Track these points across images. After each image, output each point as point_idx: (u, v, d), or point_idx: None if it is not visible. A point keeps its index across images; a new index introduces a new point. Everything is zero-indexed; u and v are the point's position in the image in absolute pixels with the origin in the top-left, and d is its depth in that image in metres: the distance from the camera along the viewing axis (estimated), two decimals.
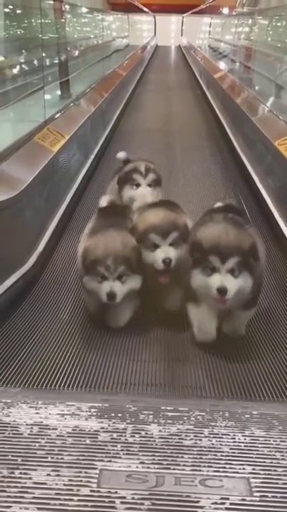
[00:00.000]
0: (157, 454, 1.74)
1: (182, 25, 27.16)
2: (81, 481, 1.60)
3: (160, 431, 1.87)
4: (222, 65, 12.76)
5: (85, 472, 1.63)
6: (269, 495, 1.56)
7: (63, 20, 8.06)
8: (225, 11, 17.53)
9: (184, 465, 1.68)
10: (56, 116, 5.38)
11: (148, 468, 1.67)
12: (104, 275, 2.71)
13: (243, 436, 1.85)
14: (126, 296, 2.76)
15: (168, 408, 2.03)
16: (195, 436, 1.84)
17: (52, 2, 7.12)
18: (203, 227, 2.68)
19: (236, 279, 2.50)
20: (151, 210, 2.99)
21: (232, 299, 2.52)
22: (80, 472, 1.63)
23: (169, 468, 1.67)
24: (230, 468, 1.68)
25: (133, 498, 1.53)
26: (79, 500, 1.52)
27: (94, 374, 2.52)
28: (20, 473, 1.62)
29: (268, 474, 1.65)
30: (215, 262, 2.50)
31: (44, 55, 6.77)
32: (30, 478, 1.60)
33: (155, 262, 2.78)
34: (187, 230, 2.85)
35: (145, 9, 24.73)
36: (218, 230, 2.59)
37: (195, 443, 1.80)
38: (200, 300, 2.67)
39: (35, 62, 6.63)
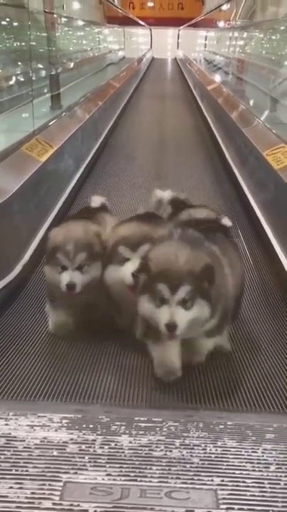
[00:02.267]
0: (125, 465, 1.70)
1: (178, 38, 27.34)
2: (44, 493, 1.56)
3: (130, 442, 1.83)
4: (217, 77, 12.80)
5: (49, 484, 1.60)
6: (236, 507, 1.53)
7: (56, 33, 8.09)
8: (221, 24, 17.63)
9: (151, 477, 1.65)
10: (46, 127, 5.38)
11: (114, 480, 1.63)
12: (64, 265, 2.64)
13: (214, 447, 1.82)
14: (86, 287, 2.66)
15: (142, 419, 2.00)
16: (165, 447, 1.81)
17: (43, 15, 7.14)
18: (153, 247, 2.38)
19: (188, 311, 2.19)
20: (125, 223, 2.84)
21: (185, 331, 2.21)
22: (44, 485, 1.60)
23: (135, 480, 1.63)
24: (198, 479, 1.65)
25: (95, 511, 1.49)
26: None
27: (70, 384, 2.48)
28: None
29: (237, 486, 1.61)
30: (164, 292, 2.19)
31: (39, 66, 6.81)
32: None
33: (125, 276, 2.57)
34: None
35: (141, 22, 24.90)
36: (167, 251, 2.28)
37: (165, 454, 1.77)
38: (159, 334, 2.29)
39: (26, 75, 6.64)
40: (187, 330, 2.21)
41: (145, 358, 2.71)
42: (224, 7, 16.07)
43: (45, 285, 3.07)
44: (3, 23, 6.57)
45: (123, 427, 1.93)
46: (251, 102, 8.41)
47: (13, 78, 6.47)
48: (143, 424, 1.96)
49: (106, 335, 2.85)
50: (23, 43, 6.94)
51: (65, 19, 9.79)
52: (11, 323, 3.02)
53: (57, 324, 2.89)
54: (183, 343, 2.43)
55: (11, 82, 6.49)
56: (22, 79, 6.56)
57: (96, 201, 3.30)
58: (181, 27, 26.13)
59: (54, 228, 2.86)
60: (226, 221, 2.93)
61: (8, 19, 6.67)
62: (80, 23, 11.80)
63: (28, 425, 1.92)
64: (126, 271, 2.55)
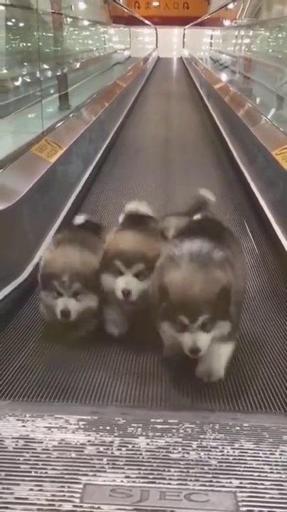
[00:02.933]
0: (143, 467, 1.71)
1: (183, 38, 27.29)
2: (64, 496, 1.57)
3: (147, 444, 1.84)
4: (223, 76, 12.79)
5: (69, 487, 1.61)
6: (256, 509, 1.53)
7: (63, 33, 8.11)
8: (226, 22, 17.61)
9: (170, 479, 1.65)
10: (55, 127, 5.39)
11: (133, 482, 1.64)
12: (59, 291, 2.68)
13: (232, 449, 1.82)
14: (82, 314, 2.72)
15: (158, 421, 2.00)
16: (182, 449, 1.81)
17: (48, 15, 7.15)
18: (170, 273, 2.35)
19: (209, 333, 2.27)
20: (125, 233, 2.84)
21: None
22: (63, 487, 1.60)
23: (154, 483, 1.64)
24: (217, 482, 1.65)
25: None
26: None
27: (85, 386, 2.49)
28: (3, 488, 1.60)
29: (256, 488, 1.62)
30: (184, 321, 2.25)
31: (45, 67, 6.81)
32: (12, 494, 1.57)
33: (117, 290, 2.63)
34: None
35: (146, 22, 24.89)
36: (184, 278, 2.28)
37: (183, 456, 1.77)
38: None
39: (34, 75, 6.65)
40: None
41: (156, 359, 2.72)
42: (230, 5, 16.03)
43: None
44: (10, 23, 6.59)
45: (139, 429, 1.93)
46: (258, 101, 8.41)
47: (22, 79, 6.48)
48: (159, 426, 1.96)
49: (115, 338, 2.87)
50: (29, 44, 6.98)
51: (74, 20, 9.80)
52: (23, 325, 3.03)
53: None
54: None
55: (19, 83, 6.51)
56: (30, 79, 6.58)
57: (79, 219, 3.28)
58: (186, 26, 26.10)
59: (49, 252, 2.88)
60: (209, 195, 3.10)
61: (14, 20, 6.70)
62: (87, 23, 11.81)
63: (45, 427, 1.93)
64: (118, 287, 2.62)
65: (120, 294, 2.61)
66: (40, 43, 6.45)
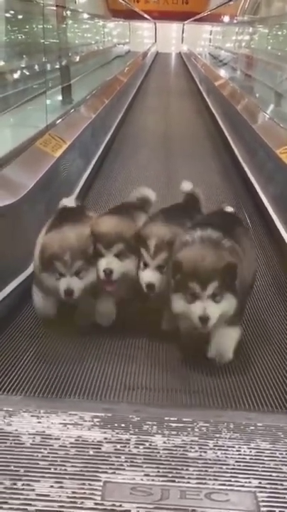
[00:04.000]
0: (161, 466, 1.71)
1: (182, 33, 27.22)
2: (85, 493, 1.57)
3: (164, 442, 1.84)
4: (223, 72, 12.78)
5: (89, 484, 1.61)
6: (277, 510, 1.54)
7: (65, 25, 8.06)
8: (226, 19, 17.56)
9: (189, 478, 1.66)
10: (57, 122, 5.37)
11: (152, 480, 1.64)
12: (61, 272, 2.68)
13: (248, 448, 1.83)
14: (84, 291, 2.73)
15: (172, 419, 2.01)
16: (199, 448, 1.81)
17: (54, 8, 7.11)
18: (182, 249, 2.55)
19: (218, 304, 2.41)
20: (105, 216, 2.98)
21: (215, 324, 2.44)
22: (84, 484, 1.61)
23: (174, 481, 1.64)
24: (236, 481, 1.65)
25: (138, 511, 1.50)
26: None
27: (95, 381, 2.49)
28: (23, 484, 1.60)
29: (275, 488, 1.62)
30: (195, 289, 2.39)
31: (45, 60, 6.77)
32: (33, 490, 1.57)
33: (99, 271, 2.74)
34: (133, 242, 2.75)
35: (146, 16, 24.78)
36: (195, 252, 2.48)
37: (200, 455, 1.77)
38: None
39: (37, 67, 6.62)
40: (218, 323, 2.43)
41: (165, 355, 2.73)
42: (231, 2, 15.98)
43: None
44: (8, 15, 6.55)
45: (155, 427, 1.94)
46: (258, 96, 8.42)
47: (25, 72, 6.45)
48: (173, 424, 1.97)
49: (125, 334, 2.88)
50: (29, 36, 6.95)
51: (75, 13, 9.76)
52: (29, 321, 3.03)
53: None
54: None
55: (22, 76, 6.47)
56: (32, 72, 6.55)
57: (69, 202, 3.32)
58: (186, 21, 26.01)
59: (48, 235, 2.87)
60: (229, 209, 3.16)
61: (14, 12, 6.66)
62: (87, 16, 11.75)
63: (60, 423, 1.93)
64: (100, 267, 2.73)
65: (102, 274, 2.70)
66: (42, 36, 6.43)
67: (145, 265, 2.73)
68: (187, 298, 2.43)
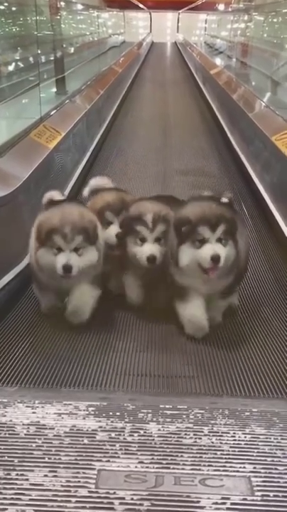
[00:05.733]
0: (156, 453, 1.70)
1: (177, 22, 27.07)
2: (79, 481, 1.56)
3: (159, 429, 1.84)
4: (218, 61, 12.72)
5: (83, 473, 1.60)
6: (271, 494, 1.53)
7: (58, 17, 8.02)
8: (221, 7, 17.45)
9: (184, 464, 1.65)
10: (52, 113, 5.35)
11: (147, 467, 1.64)
12: (59, 247, 2.62)
13: (243, 434, 1.82)
14: (82, 272, 2.68)
15: (167, 406, 2.00)
16: (194, 434, 1.81)
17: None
18: (184, 207, 2.72)
19: (225, 247, 2.59)
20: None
21: (216, 277, 2.60)
22: (78, 473, 1.60)
23: (169, 468, 1.63)
24: (230, 467, 1.65)
25: (132, 499, 1.50)
26: (77, 501, 1.48)
27: (91, 371, 2.50)
28: (17, 474, 1.59)
29: (270, 473, 1.62)
30: (205, 233, 2.56)
31: (39, 52, 6.74)
32: (27, 480, 1.57)
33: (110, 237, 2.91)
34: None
35: (141, 6, 24.64)
36: (200, 204, 2.67)
37: (195, 441, 1.77)
38: (186, 294, 2.71)
39: (31, 59, 6.59)
40: (218, 275, 2.59)
41: (158, 343, 2.73)
42: None
43: None
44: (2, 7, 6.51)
45: (149, 415, 1.93)
46: (254, 84, 8.39)
47: (18, 64, 6.41)
48: (169, 412, 1.96)
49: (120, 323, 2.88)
50: (23, 28, 6.91)
51: (69, 4, 9.70)
52: (27, 311, 3.03)
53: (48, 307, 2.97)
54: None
55: (16, 68, 6.44)
56: (26, 64, 6.52)
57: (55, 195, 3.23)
58: (181, 10, 25.86)
59: (47, 211, 2.82)
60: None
61: (8, 4, 6.62)
62: (81, 7, 11.69)
63: (55, 413, 1.92)
64: (110, 232, 2.90)
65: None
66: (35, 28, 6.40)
67: (142, 240, 2.78)
68: (195, 245, 2.57)
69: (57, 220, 2.65)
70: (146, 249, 2.77)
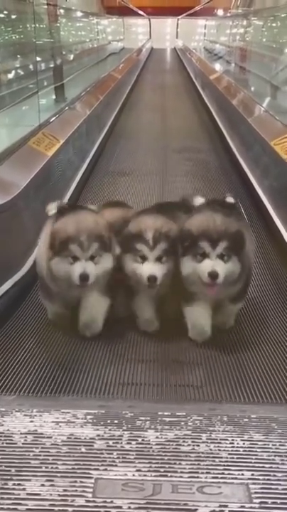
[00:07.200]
0: (154, 461, 1.70)
1: (177, 28, 27.13)
2: (76, 490, 1.56)
3: (157, 437, 1.83)
4: (217, 66, 12.75)
5: (80, 481, 1.60)
6: (269, 501, 1.52)
7: (57, 24, 8.06)
8: (220, 12, 17.52)
9: (181, 472, 1.65)
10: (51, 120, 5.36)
11: (144, 476, 1.63)
12: (75, 255, 2.58)
13: (241, 440, 1.81)
14: (97, 281, 2.64)
15: (165, 413, 1.99)
16: (192, 441, 1.80)
17: (45, 7, 7.10)
18: (190, 218, 2.71)
19: (226, 263, 2.57)
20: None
21: (221, 286, 2.59)
22: (75, 482, 1.59)
23: (166, 476, 1.63)
24: (229, 474, 1.64)
25: (129, 508, 1.49)
26: (73, 511, 1.48)
27: (90, 379, 2.49)
28: (14, 484, 1.58)
29: (268, 480, 1.61)
30: (205, 248, 2.55)
31: (39, 59, 6.76)
32: (24, 489, 1.56)
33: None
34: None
35: (140, 12, 24.75)
36: (205, 217, 2.64)
37: (193, 449, 1.76)
38: (194, 299, 2.73)
39: (30, 66, 6.61)
40: (223, 286, 2.59)
41: (158, 350, 2.73)
42: None
43: None
44: (2, 15, 6.53)
45: (148, 422, 1.92)
46: (253, 89, 8.41)
47: (18, 72, 6.44)
48: (167, 419, 1.95)
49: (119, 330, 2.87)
50: (22, 36, 6.93)
51: (67, 11, 9.74)
52: (25, 319, 3.02)
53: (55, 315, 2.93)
54: (214, 311, 2.81)
55: (15, 76, 6.46)
56: (25, 72, 6.54)
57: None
58: (180, 16, 25.94)
59: (59, 220, 2.73)
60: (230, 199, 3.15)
61: (7, 12, 6.64)
62: (80, 14, 11.74)
63: (53, 422, 1.91)
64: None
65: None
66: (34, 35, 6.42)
67: (143, 259, 2.66)
68: (196, 259, 2.58)
69: (72, 229, 2.61)
70: (146, 269, 2.64)
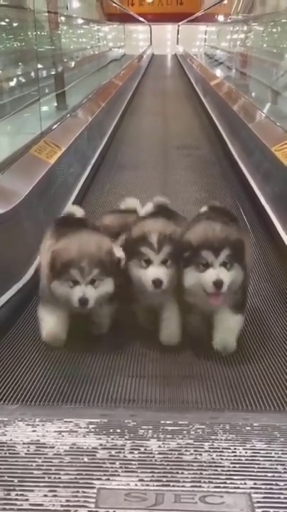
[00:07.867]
0: (156, 470, 1.70)
1: (177, 34, 27.21)
2: (78, 501, 1.56)
3: (159, 446, 1.83)
4: (218, 72, 12.78)
5: (83, 492, 1.60)
6: (271, 510, 1.53)
7: (59, 32, 8.08)
8: (220, 18, 17.55)
9: (184, 481, 1.65)
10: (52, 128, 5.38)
11: (147, 485, 1.63)
12: (75, 279, 2.57)
13: (244, 449, 1.82)
14: (98, 301, 2.63)
15: (168, 422, 2.00)
16: (195, 450, 1.80)
17: (46, 14, 7.13)
18: (189, 230, 2.66)
19: (229, 271, 2.55)
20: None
21: (225, 295, 2.56)
22: (78, 492, 1.60)
23: (169, 485, 1.63)
24: (231, 483, 1.64)
25: None
26: None
27: (92, 389, 2.48)
28: (17, 494, 1.59)
29: (270, 489, 1.61)
30: (208, 257, 2.53)
31: (40, 66, 6.78)
32: (27, 500, 1.57)
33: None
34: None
35: (140, 19, 24.83)
36: (204, 227, 2.62)
37: (195, 458, 1.77)
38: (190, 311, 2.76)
39: (31, 74, 6.63)
40: (226, 294, 2.56)
41: (159, 361, 2.73)
42: (225, 1, 16.00)
43: None
44: (3, 23, 6.55)
45: (150, 431, 1.93)
46: (254, 95, 8.42)
47: (19, 79, 6.46)
48: (169, 428, 1.96)
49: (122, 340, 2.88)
50: (24, 43, 6.95)
51: (68, 18, 9.79)
52: (27, 329, 3.02)
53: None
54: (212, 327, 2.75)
55: (16, 84, 6.48)
56: (26, 80, 6.56)
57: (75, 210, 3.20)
58: (180, 22, 26.02)
59: (62, 241, 2.70)
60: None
61: (8, 20, 6.66)
62: (81, 21, 11.78)
63: (55, 431, 1.92)
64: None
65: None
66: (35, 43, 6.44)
67: (147, 263, 2.63)
68: (199, 269, 2.55)
69: (73, 253, 2.58)
70: (151, 273, 2.61)
